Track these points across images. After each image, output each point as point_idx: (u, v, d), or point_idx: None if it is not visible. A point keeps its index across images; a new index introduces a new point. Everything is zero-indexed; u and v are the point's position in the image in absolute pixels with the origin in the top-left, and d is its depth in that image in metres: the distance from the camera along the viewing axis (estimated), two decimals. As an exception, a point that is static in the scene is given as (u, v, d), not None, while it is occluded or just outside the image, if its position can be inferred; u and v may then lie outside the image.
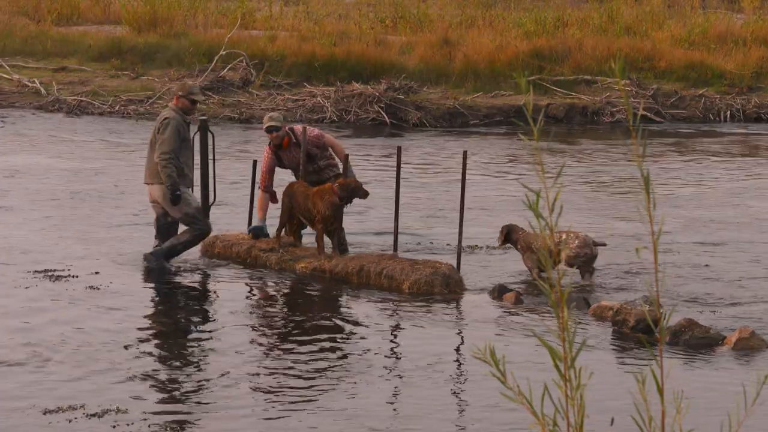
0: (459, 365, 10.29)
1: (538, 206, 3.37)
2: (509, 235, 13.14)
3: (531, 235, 12.91)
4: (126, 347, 10.54)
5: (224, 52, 26.05)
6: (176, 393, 9.40)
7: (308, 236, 13.92)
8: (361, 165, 14.46)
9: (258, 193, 13.81)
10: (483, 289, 12.55)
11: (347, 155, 13.66)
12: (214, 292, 12.55)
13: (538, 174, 3.30)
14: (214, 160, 13.94)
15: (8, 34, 28.34)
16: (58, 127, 23.17)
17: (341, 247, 13.45)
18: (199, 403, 9.20)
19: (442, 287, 12.39)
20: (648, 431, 3.39)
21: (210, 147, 13.84)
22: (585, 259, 12.70)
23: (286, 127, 13.68)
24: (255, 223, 13.81)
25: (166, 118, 12.83)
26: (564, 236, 12.76)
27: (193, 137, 14.07)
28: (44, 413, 8.85)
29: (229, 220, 15.08)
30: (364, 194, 13.08)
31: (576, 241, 12.67)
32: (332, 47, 26.95)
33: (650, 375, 3.50)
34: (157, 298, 12.28)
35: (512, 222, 13.33)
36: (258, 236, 13.72)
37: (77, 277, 12.69)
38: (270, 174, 13.62)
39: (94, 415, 8.82)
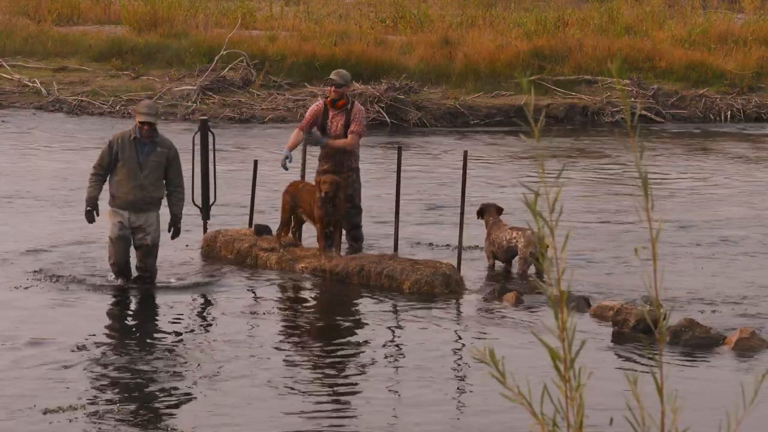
0: (459, 365, 10.29)
1: (538, 206, 3.37)
2: (482, 213, 13.48)
3: (497, 225, 13.23)
4: (125, 347, 10.54)
5: (225, 52, 26.06)
6: (175, 392, 9.40)
7: (310, 237, 13.93)
8: (362, 165, 14.43)
9: (293, 134, 13.81)
10: (483, 289, 12.55)
11: (331, 145, 13.64)
12: (215, 291, 12.54)
13: (538, 174, 3.30)
14: (214, 160, 13.96)
15: (9, 34, 28.34)
16: (58, 127, 23.16)
17: (354, 235, 13.72)
18: (198, 401, 9.21)
19: (443, 287, 12.40)
20: (642, 431, 3.39)
21: (210, 147, 13.87)
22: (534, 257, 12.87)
23: (348, 90, 13.90)
24: (284, 152, 13.77)
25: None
26: (515, 234, 12.99)
27: (194, 137, 14.09)
28: (44, 413, 8.86)
29: (229, 220, 15.07)
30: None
31: (522, 240, 12.90)
32: (332, 47, 26.95)
33: (648, 375, 3.50)
34: (157, 298, 12.27)
35: (494, 205, 13.65)
36: (260, 233, 13.73)
37: (77, 277, 12.69)
38: (311, 120, 13.72)
39: (94, 415, 8.82)
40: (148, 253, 12.52)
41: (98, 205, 12.51)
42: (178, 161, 12.55)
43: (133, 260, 12.63)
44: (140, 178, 12.33)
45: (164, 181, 12.49)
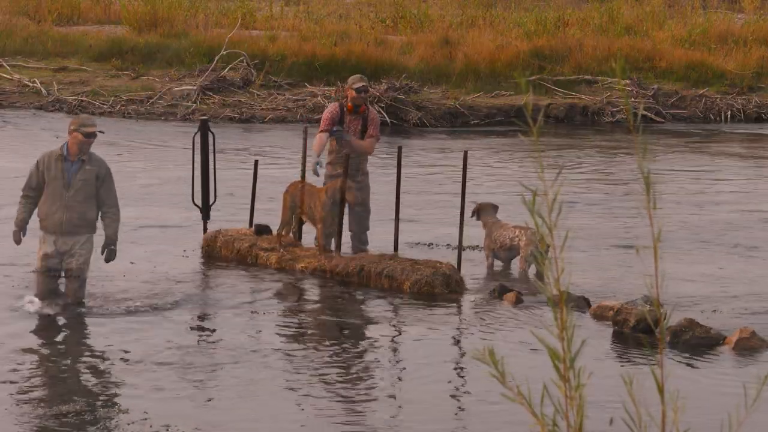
0: (459, 365, 10.29)
1: (538, 205, 3.36)
2: (479, 213, 13.49)
3: (496, 224, 13.30)
4: (124, 348, 10.54)
5: (225, 52, 26.06)
6: (175, 392, 9.40)
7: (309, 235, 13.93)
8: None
9: (316, 138, 13.43)
10: (483, 289, 12.55)
11: (353, 143, 13.52)
12: (215, 291, 12.54)
13: (538, 174, 3.30)
14: (214, 160, 13.95)
15: (9, 34, 28.34)
16: (58, 128, 23.16)
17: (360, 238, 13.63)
18: (197, 401, 9.20)
19: (443, 287, 12.39)
20: (638, 431, 3.39)
21: (210, 147, 13.87)
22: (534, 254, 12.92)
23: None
24: (310, 157, 13.52)
25: None
26: (517, 233, 13.03)
27: (194, 137, 14.08)
28: (45, 413, 8.86)
29: (229, 220, 15.07)
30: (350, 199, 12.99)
31: (523, 239, 12.98)
32: (333, 47, 26.95)
33: (649, 375, 3.49)
34: (157, 298, 12.26)
35: (491, 204, 13.67)
36: (260, 233, 13.73)
37: (77, 278, 12.67)
38: (330, 123, 13.36)
39: (94, 415, 8.82)
40: (74, 278, 11.71)
41: (27, 227, 11.76)
42: (110, 180, 11.64)
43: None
44: (65, 198, 11.50)
45: (96, 203, 11.60)
